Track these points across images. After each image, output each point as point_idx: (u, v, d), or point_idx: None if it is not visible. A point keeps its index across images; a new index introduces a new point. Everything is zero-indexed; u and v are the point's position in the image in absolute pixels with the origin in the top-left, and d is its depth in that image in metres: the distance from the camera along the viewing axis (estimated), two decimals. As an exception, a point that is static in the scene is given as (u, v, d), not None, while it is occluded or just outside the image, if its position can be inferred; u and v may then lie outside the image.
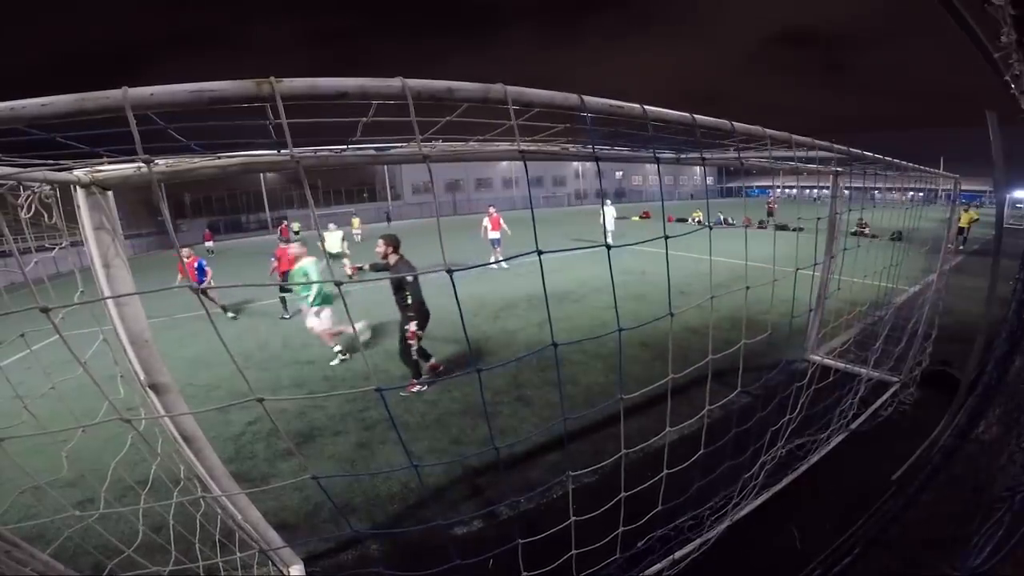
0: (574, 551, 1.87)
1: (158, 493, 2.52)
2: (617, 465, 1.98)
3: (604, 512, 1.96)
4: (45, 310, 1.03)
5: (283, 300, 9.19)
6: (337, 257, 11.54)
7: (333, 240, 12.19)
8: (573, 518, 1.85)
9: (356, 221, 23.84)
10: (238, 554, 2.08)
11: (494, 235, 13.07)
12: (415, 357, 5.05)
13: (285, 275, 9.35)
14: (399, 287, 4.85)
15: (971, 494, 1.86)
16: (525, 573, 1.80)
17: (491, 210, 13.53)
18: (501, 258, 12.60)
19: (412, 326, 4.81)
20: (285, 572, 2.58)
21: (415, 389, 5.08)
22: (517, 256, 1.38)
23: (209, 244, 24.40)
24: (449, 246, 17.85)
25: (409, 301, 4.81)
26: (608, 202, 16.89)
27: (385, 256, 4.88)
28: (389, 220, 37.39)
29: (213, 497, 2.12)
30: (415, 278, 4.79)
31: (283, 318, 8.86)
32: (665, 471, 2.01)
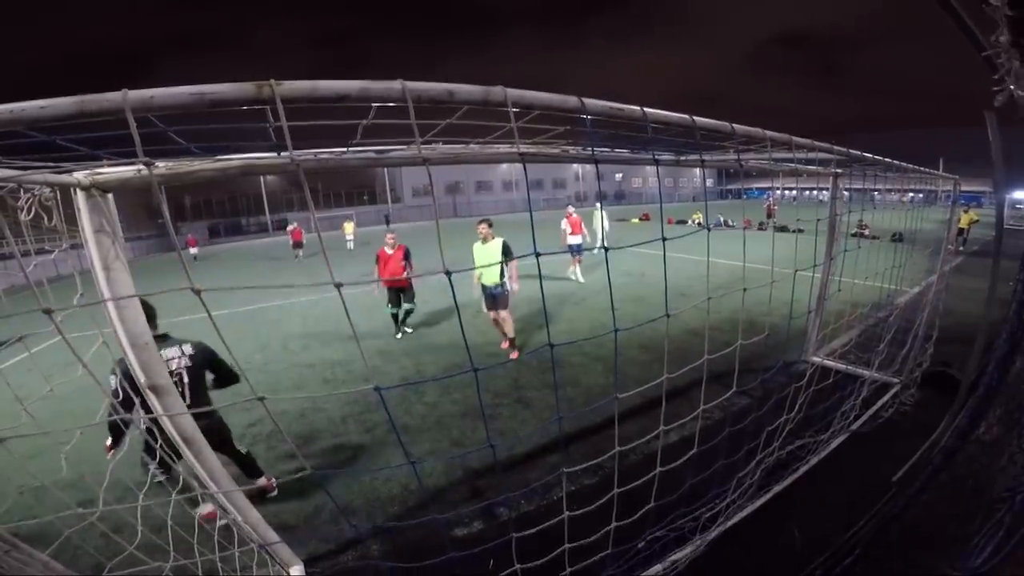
0: (567, 545, 1.88)
1: (158, 495, 2.52)
2: (615, 466, 1.99)
3: (600, 511, 1.96)
4: (48, 311, 1.03)
5: (394, 317, 7.17)
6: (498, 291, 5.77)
7: (486, 258, 5.62)
8: (567, 513, 1.87)
9: (349, 226, 21.75)
10: (237, 551, 2.07)
11: (574, 240, 10.57)
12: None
13: (394, 288, 6.98)
14: None
15: (971, 495, 1.86)
16: (518, 565, 1.81)
17: (570, 210, 10.93)
18: (578, 270, 10.74)
19: None
20: (285, 573, 2.58)
21: None
22: (517, 257, 1.38)
23: (194, 251, 22.49)
24: (451, 248, 17.83)
25: None
26: (597, 205, 13.82)
27: None
28: (388, 223, 37.42)
29: (212, 496, 2.12)
30: None
31: (397, 336, 7.16)
32: (658, 468, 2.02)
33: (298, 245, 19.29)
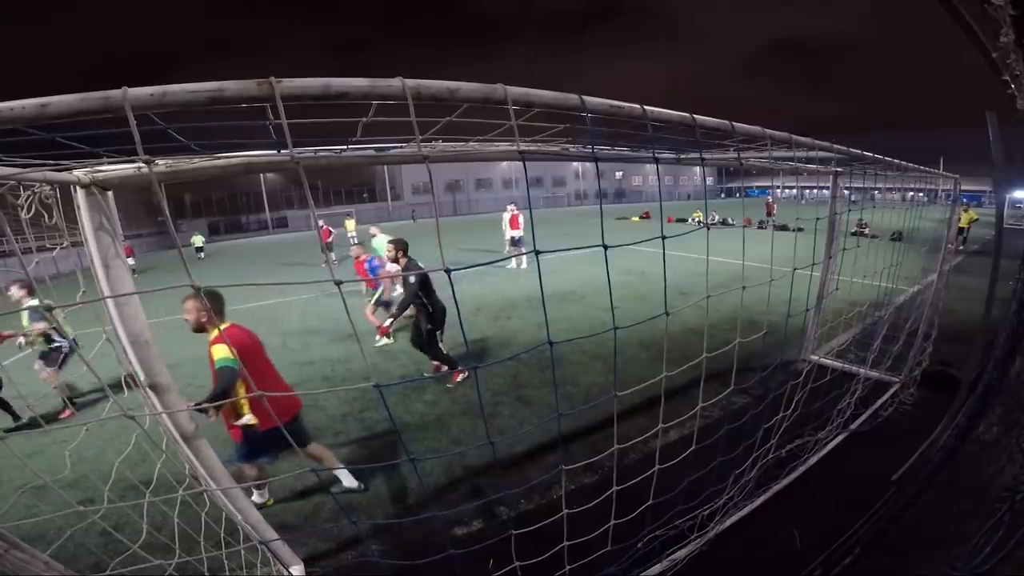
0: (566, 543, 1.88)
1: (160, 493, 2.53)
2: (614, 464, 1.99)
3: (599, 509, 1.96)
4: (48, 309, 1.03)
5: None
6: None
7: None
8: (566, 511, 1.87)
9: (351, 223, 20.93)
10: (241, 546, 2.08)
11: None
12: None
13: None
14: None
15: (971, 494, 1.86)
16: (518, 563, 1.82)
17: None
18: None
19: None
20: (286, 572, 2.58)
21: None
22: (517, 255, 1.38)
23: (131, 261, 15.69)
24: (451, 246, 17.84)
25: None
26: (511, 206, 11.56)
27: None
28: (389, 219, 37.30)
29: (213, 494, 2.12)
30: None
31: None
32: (657, 466, 2.02)
33: (330, 246, 16.55)
